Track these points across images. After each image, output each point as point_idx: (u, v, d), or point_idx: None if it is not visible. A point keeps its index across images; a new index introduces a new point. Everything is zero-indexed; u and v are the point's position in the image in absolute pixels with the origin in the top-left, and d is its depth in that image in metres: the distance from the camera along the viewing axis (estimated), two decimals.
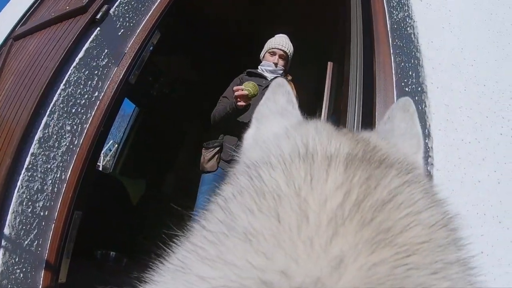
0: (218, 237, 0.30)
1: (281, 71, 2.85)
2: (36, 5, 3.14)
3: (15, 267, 1.73)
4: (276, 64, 2.82)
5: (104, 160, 9.21)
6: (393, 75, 1.65)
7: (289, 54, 2.89)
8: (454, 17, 1.63)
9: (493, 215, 1.15)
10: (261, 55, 2.96)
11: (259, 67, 2.88)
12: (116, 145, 7.32)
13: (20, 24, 3.08)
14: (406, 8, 1.70)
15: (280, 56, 2.85)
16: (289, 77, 2.85)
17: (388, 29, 1.84)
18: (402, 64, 1.61)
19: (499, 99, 1.39)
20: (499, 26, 1.62)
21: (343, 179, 0.33)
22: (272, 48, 2.86)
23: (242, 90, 2.39)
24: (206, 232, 0.32)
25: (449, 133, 1.28)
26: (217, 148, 2.66)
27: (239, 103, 2.42)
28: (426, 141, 1.28)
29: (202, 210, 0.41)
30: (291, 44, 2.92)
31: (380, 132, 0.60)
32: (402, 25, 1.70)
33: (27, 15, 3.11)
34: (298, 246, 0.27)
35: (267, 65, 2.83)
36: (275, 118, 0.58)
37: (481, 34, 1.59)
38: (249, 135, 0.62)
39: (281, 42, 2.87)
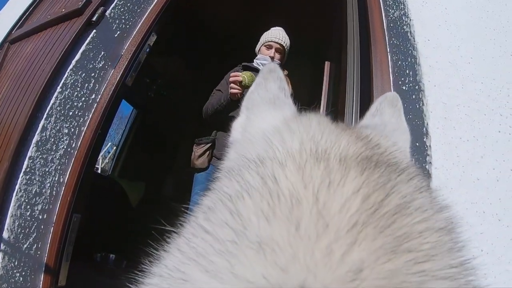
0: (226, 245, 0.27)
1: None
2: (32, 8, 3.14)
3: (15, 271, 1.73)
4: (272, 58, 2.71)
5: (102, 163, 9.18)
6: (390, 74, 1.66)
7: (285, 47, 2.80)
8: (450, 15, 1.63)
9: (492, 213, 1.15)
10: (257, 48, 2.87)
11: (254, 60, 2.78)
12: (115, 147, 7.31)
13: (17, 27, 3.07)
14: (402, 6, 1.70)
15: (277, 50, 2.75)
16: (285, 72, 2.68)
17: (385, 28, 1.84)
18: (399, 62, 1.61)
19: (497, 96, 1.39)
20: (496, 23, 1.62)
21: (360, 183, 0.32)
22: (268, 41, 2.76)
23: (239, 76, 2.32)
24: (209, 238, 0.29)
25: (447, 131, 1.29)
26: (209, 144, 2.60)
27: (232, 90, 2.34)
28: (424, 139, 1.28)
29: (198, 206, 0.38)
30: (287, 37, 2.83)
31: (373, 126, 0.59)
32: (399, 23, 1.70)
33: (24, 18, 3.11)
34: (316, 256, 0.25)
35: (263, 59, 2.70)
36: (268, 107, 0.56)
37: (477, 31, 1.59)
38: (238, 125, 0.59)
39: (277, 35, 2.78)
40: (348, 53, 2.02)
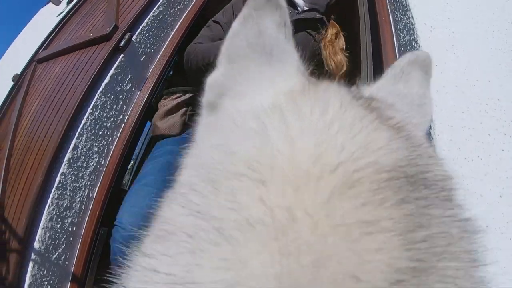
0: None
1: (325, 4, 1.88)
2: (57, 30, 3.28)
3: (43, 279, 1.79)
4: None
5: None
6: None
7: None
8: (457, 38, 1.68)
9: (495, 227, 1.19)
10: None
11: None
12: (132, 162, 7.39)
13: (43, 48, 3.21)
14: (412, 32, 1.76)
15: None
16: (333, 16, 2.02)
17: (396, 52, 1.89)
18: None
19: (501, 116, 1.44)
20: (501, 44, 1.65)
21: (394, 204, 0.25)
22: None
23: None
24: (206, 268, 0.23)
25: (452, 152, 1.34)
26: (187, 97, 1.86)
27: None
28: None
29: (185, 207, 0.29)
30: None
31: (401, 95, 0.48)
32: (409, 48, 1.76)
33: (49, 39, 3.24)
34: None
35: None
36: (261, 66, 0.38)
37: (483, 52, 1.64)
38: (215, 83, 0.40)
39: None
40: (362, 74, 2.09)
